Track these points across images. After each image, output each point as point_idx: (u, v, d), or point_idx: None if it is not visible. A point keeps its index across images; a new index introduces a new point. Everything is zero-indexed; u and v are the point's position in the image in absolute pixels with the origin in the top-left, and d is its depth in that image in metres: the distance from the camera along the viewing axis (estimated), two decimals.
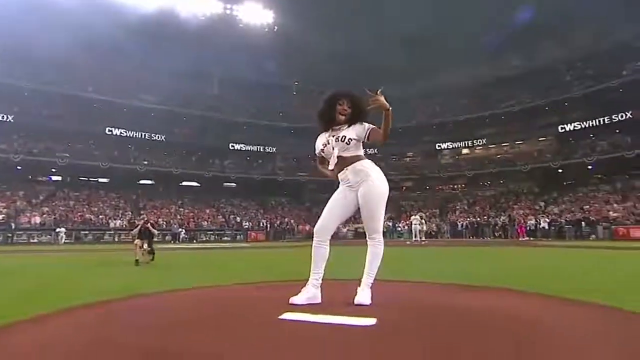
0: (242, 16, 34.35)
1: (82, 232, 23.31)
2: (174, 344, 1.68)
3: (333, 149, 2.55)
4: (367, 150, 2.66)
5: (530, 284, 3.51)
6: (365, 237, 2.59)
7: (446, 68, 33.48)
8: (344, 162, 2.54)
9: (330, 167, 2.58)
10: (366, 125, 2.56)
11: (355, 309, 2.26)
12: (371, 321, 1.96)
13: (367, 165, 2.54)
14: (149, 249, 7.24)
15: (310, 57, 33.42)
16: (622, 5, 26.47)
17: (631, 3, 26.09)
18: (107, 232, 24.04)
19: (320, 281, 2.53)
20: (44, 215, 23.90)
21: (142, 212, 27.25)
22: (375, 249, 2.54)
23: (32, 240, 21.31)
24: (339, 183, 2.64)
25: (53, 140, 28.41)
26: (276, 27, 35.13)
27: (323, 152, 2.63)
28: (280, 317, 2.09)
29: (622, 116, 26.28)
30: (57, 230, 21.42)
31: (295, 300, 2.44)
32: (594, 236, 19.87)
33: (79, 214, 25.35)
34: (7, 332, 1.97)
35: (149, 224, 7.62)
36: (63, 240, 20.87)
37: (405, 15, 31.13)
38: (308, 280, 2.53)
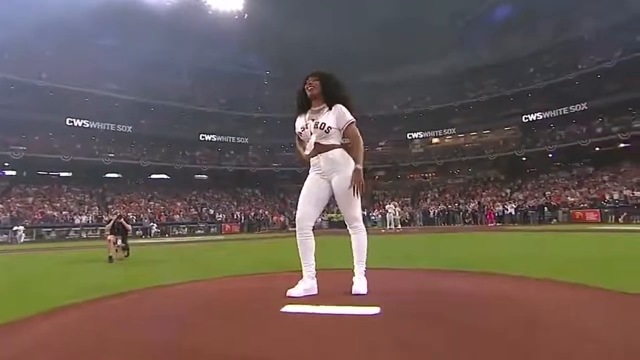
0: (211, 2, 33.11)
1: (44, 229, 22.02)
2: (178, 340, 1.63)
3: (311, 134, 2.51)
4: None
5: (511, 268, 3.70)
6: (346, 226, 2.57)
7: (417, 58, 34.02)
8: (319, 149, 2.51)
9: (307, 152, 2.56)
10: (347, 117, 2.49)
11: (356, 298, 2.28)
12: (375, 309, 1.99)
13: (340, 155, 2.50)
14: (123, 244, 6.97)
15: (282, 45, 32.85)
16: (581, 0, 27.89)
17: None
18: (73, 228, 22.84)
19: (314, 271, 2.53)
20: None
21: (110, 206, 26.16)
22: (359, 236, 2.53)
23: None
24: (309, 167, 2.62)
25: (5, 132, 26.38)
26: (246, 15, 34.16)
27: (301, 135, 2.59)
28: (283, 310, 2.08)
29: (578, 107, 27.92)
30: (15, 228, 20.11)
31: (292, 292, 2.43)
32: (555, 220, 21.17)
33: (40, 210, 23.89)
34: None
35: (122, 219, 7.35)
36: (22, 239, 19.64)
37: (377, 4, 31.22)
38: (302, 272, 2.52)
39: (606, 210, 20.04)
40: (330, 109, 2.51)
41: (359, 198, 2.50)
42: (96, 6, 26.45)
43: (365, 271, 2.50)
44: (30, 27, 23.79)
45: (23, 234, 19.95)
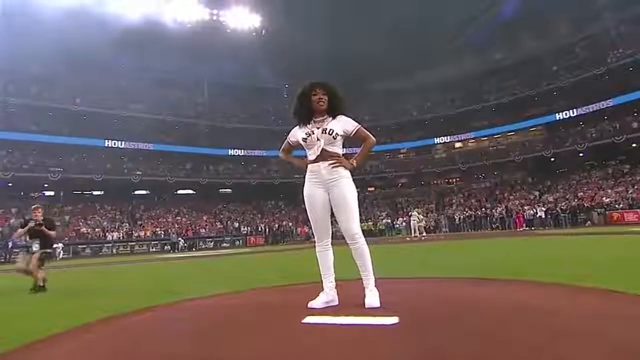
0: (229, 21, 34.26)
1: (80, 246, 23.08)
2: (207, 354, 1.70)
3: (318, 139, 2.51)
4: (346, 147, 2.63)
5: (540, 274, 3.58)
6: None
7: (434, 63, 33.76)
8: (325, 155, 2.51)
9: (312, 157, 2.54)
10: (353, 122, 2.56)
11: (375, 309, 2.28)
12: (394, 319, 1.99)
13: (342, 167, 2.52)
14: (42, 252, 5.31)
15: (299, 59, 33.42)
16: None
17: None
18: (105, 244, 23.82)
19: (334, 283, 2.56)
20: None
21: (139, 222, 27.09)
22: (361, 249, 2.45)
23: None
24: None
25: (44, 155, 28.11)
26: (264, 31, 35.10)
27: (305, 141, 2.56)
28: (304, 321, 2.12)
29: (609, 103, 26.70)
30: (55, 245, 21.14)
31: (313, 304, 2.46)
32: (589, 222, 20.15)
33: (75, 228, 25.09)
34: (24, 353, 1.98)
35: (43, 226, 5.49)
36: (61, 256, 20.65)
37: (392, 12, 31.31)
38: (322, 284, 2.56)
39: None
40: (333, 118, 2.57)
41: (357, 210, 2.48)
42: (121, 30, 27.93)
43: (375, 281, 2.46)
44: (60, 54, 25.29)
45: (62, 251, 20.97)
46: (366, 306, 2.34)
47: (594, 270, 3.75)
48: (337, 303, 2.51)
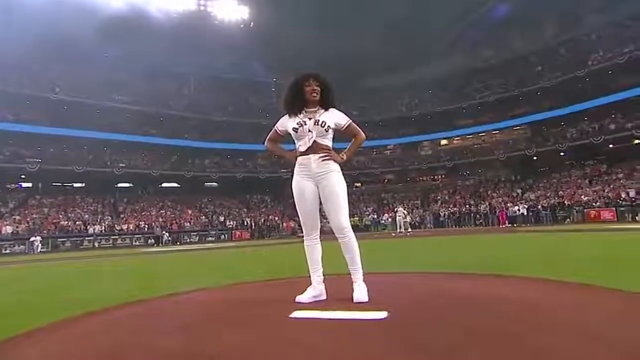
0: (216, 12, 33.66)
1: (59, 239, 22.46)
2: (194, 348, 1.66)
3: (310, 130, 2.46)
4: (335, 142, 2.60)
5: (521, 269, 3.66)
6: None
7: (423, 60, 34.00)
8: (315, 148, 2.47)
9: (303, 148, 2.49)
10: (345, 117, 2.55)
11: (363, 303, 2.28)
12: (382, 314, 1.99)
13: (332, 160, 2.50)
14: None
15: (288, 52, 33.15)
16: None
17: None
18: (87, 238, 23.25)
19: (322, 277, 2.54)
20: (16, 225, 22.87)
21: (122, 215, 26.57)
22: (350, 243, 2.43)
23: (4, 251, 20.37)
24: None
25: (21, 145, 27.14)
26: (252, 23, 34.62)
27: (296, 131, 2.49)
28: (291, 315, 2.10)
29: (589, 104, 27.48)
30: (32, 239, 20.56)
31: (301, 298, 2.45)
32: (568, 220, 20.78)
33: (54, 221, 24.39)
34: (6, 347, 1.90)
35: None
36: (39, 249, 20.06)
37: (382, 8, 31.34)
38: (310, 278, 2.54)
39: (622, 209, 19.59)
40: (325, 110, 2.53)
41: (346, 204, 2.46)
42: (104, 19, 27.12)
43: (363, 276, 2.45)
44: (41, 42, 24.45)
45: (40, 245, 20.37)
46: (354, 300, 2.33)
47: (573, 266, 3.85)
48: (325, 297, 2.50)
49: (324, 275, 2.55)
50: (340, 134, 2.58)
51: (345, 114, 2.59)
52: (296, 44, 32.18)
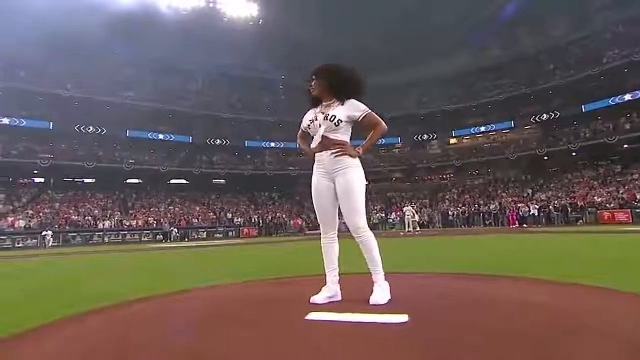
0: (226, 10, 33.69)
1: (70, 234, 22.77)
2: (203, 348, 1.61)
3: (320, 126, 2.38)
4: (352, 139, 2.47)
5: (539, 271, 3.54)
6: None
7: (432, 58, 33.66)
8: (326, 143, 2.37)
9: (313, 145, 2.41)
10: (362, 107, 2.38)
11: (383, 306, 2.20)
12: (403, 318, 1.91)
13: (347, 155, 2.37)
14: None
15: (296, 50, 33.08)
16: None
17: None
18: (97, 233, 23.53)
19: (338, 277, 2.46)
20: (29, 219, 23.23)
21: (131, 211, 26.83)
22: (368, 243, 2.33)
23: (17, 245, 20.71)
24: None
25: (34, 141, 27.58)
26: (261, 21, 34.59)
27: (309, 128, 2.43)
28: (308, 317, 2.03)
29: (603, 104, 26.92)
30: (44, 233, 20.86)
31: (316, 299, 2.37)
32: (581, 221, 20.38)
33: (66, 216, 24.73)
34: (15, 343, 1.87)
35: None
36: (50, 244, 20.36)
37: (391, 6, 31.07)
38: (324, 277, 2.47)
39: (638, 211, 19.14)
40: (342, 103, 2.40)
41: (363, 202, 2.36)
42: (115, 17, 27.32)
43: (385, 276, 2.36)
44: (53, 40, 24.74)
45: (51, 239, 20.67)
46: (370, 303, 2.24)
47: (593, 269, 3.72)
48: (340, 299, 2.42)
49: (339, 275, 2.48)
50: (361, 127, 2.44)
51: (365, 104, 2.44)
52: (304, 41, 32.10)
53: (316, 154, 2.46)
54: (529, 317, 1.90)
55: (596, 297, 2.38)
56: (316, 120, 2.41)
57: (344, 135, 2.40)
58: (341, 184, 2.36)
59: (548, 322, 1.78)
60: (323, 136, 2.37)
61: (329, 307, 2.25)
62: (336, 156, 2.37)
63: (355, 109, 2.39)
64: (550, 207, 22.37)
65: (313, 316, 2.05)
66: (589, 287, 2.69)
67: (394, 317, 1.92)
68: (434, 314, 2.04)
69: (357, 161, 2.41)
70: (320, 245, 2.51)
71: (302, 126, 2.55)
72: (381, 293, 2.30)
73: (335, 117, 2.35)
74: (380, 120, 2.43)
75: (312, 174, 2.52)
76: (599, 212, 20.50)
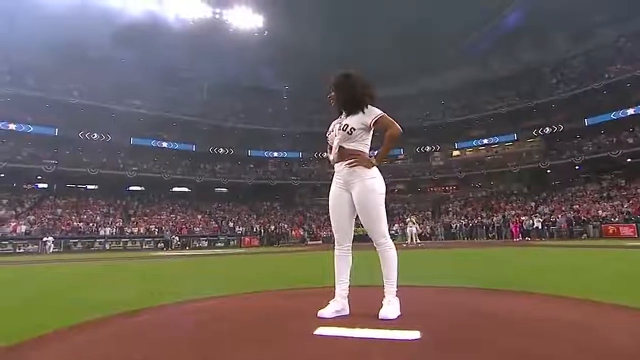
0: (231, 21, 34.13)
1: (71, 240, 22.69)
2: None
3: (336, 136, 2.38)
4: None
5: (551, 287, 3.47)
6: (370, 239, 2.38)
7: (434, 71, 33.92)
8: (342, 154, 2.35)
9: (331, 156, 2.42)
10: (375, 112, 2.32)
11: (394, 321, 2.15)
12: (415, 334, 1.86)
13: (362, 166, 2.33)
14: None
15: (300, 61, 33.39)
16: (602, 7, 27.17)
17: (609, 5, 26.79)
18: (98, 239, 23.45)
19: (347, 291, 2.41)
20: (30, 225, 23.21)
21: (132, 218, 26.77)
22: (387, 253, 2.32)
23: (18, 250, 20.64)
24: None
25: (38, 146, 27.74)
26: (266, 32, 35.00)
27: (327, 139, 2.46)
28: (316, 332, 1.98)
29: (606, 117, 26.96)
30: (45, 239, 20.80)
31: (324, 313, 2.31)
32: (585, 235, 20.19)
33: (67, 222, 24.69)
34: (12, 355, 1.82)
35: None
36: (51, 250, 20.27)
37: (395, 18, 31.40)
38: (333, 290, 2.41)
39: None
40: (357, 112, 2.35)
41: (380, 213, 2.32)
42: (122, 26, 27.72)
43: (397, 291, 2.31)
44: (61, 48, 25.07)
45: (52, 245, 20.59)
46: (380, 317, 2.19)
47: (610, 285, 3.65)
48: (347, 312, 2.36)
49: (349, 288, 2.42)
50: (379, 127, 2.36)
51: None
52: (309, 53, 32.40)
53: (335, 165, 2.43)
54: (549, 337, 1.84)
55: (630, 317, 2.30)
56: (333, 131, 2.42)
57: (360, 144, 2.36)
58: (357, 195, 2.33)
59: (575, 341, 1.72)
60: (339, 146, 2.36)
61: (338, 321, 2.20)
62: (350, 166, 2.34)
63: (368, 114, 2.35)
64: (554, 219, 22.16)
65: (321, 331, 1.99)
66: (612, 304, 2.58)
67: (406, 334, 1.87)
68: (447, 331, 1.99)
69: (373, 171, 2.36)
70: (334, 256, 2.46)
71: (327, 137, 2.54)
72: (391, 308, 2.25)
73: (348, 125, 2.34)
74: (393, 122, 2.35)
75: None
76: (603, 225, 20.31)
